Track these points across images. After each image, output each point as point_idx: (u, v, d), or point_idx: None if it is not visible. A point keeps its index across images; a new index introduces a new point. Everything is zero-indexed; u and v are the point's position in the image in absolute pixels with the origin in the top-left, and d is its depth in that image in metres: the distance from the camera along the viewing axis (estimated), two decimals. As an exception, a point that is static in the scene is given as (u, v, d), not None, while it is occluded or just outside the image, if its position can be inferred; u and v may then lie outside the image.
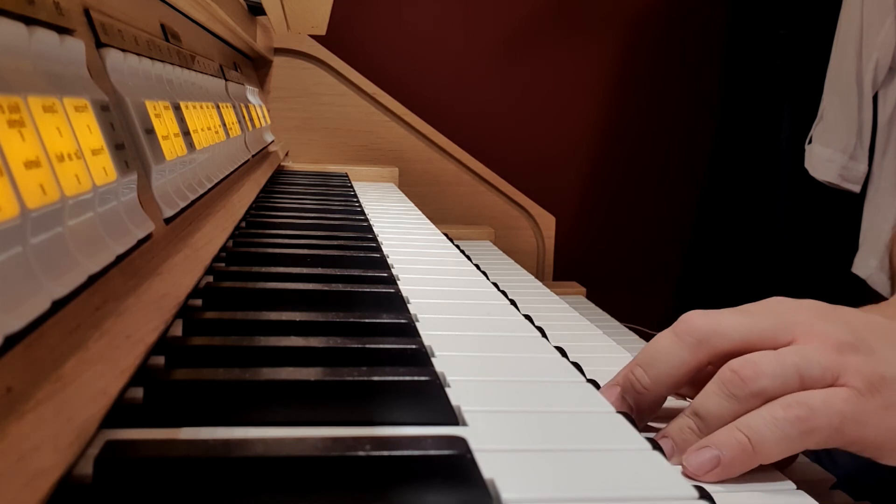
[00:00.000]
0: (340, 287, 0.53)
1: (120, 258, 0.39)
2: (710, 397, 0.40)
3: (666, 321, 0.46)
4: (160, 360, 0.38)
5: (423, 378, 0.36)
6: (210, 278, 0.55)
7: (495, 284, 0.67)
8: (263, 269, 0.59)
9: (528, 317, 0.56)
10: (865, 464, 0.42)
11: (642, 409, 0.43)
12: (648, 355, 0.44)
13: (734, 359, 0.40)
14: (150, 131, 0.52)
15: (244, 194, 0.81)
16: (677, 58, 2.16)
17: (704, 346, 0.42)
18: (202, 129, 0.71)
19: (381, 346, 0.41)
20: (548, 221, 1.63)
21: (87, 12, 0.46)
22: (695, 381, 0.43)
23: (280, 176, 1.28)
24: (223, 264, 0.61)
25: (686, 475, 0.38)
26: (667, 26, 2.14)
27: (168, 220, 0.51)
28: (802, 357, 0.40)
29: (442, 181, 1.62)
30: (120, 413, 0.32)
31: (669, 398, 0.45)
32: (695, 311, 0.44)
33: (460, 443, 0.29)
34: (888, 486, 0.56)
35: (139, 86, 0.54)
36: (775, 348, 0.41)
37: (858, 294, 1.60)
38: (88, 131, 0.38)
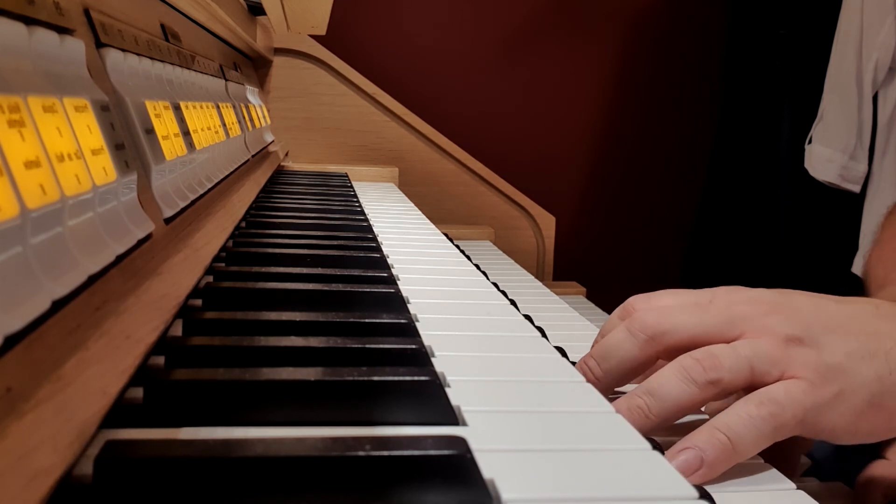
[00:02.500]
0: (340, 287, 0.53)
1: (120, 258, 0.39)
2: (670, 380, 0.42)
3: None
4: (160, 360, 0.38)
5: (422, 378, 0.36)
6: (210, 278, 0.55)
7: (495, 284, 0.67)
8: (263, 269, 0.59)
9: (528, 317, 0.56)
10: (831, 447, 0.44)
11: None
12: (603, 348, 0.46)
13: (695, 350, 0.43)
14: (150, 131, 0.52)
15: (244, 194, 0.81)
16: (677, 58, 2.16)
17: (655, 343, 0.44)
18: (202, 129, 0.71)
19: (381, 346, 0.41)
20: (548, 221, 1.63)
21: (87, 12, 0.46)
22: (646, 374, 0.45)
23: (280, 176, 1.28)
24: (223, 264, 0.61)
25: None
26: (667, 26, 2.14)
27: (168, 220, 0.51)
28: (754, 351, 0.42)
29: (442, 181, 1.62)
30: (120, 413, 0.32)
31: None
32: (647, 301, 0.47)
33: (460, 443, 0.29)
34: (855, 465, 0.57)
35: (139, 86, 0.54)
36: (724, 342, 0.43)
37: (858, 294, 1.59)
38: (88, 131, 0.38)
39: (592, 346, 0.50)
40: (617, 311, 0.49)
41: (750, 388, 0.41)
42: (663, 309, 0.45)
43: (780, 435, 0.40)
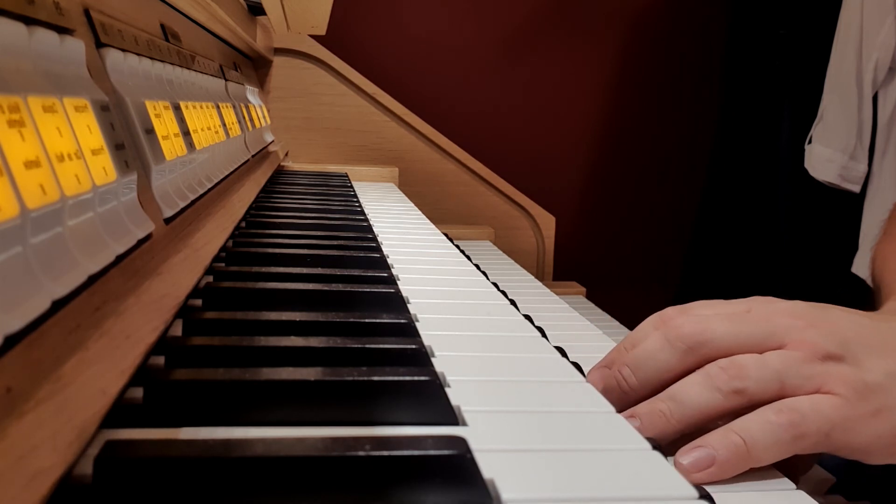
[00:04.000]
0: (340, 287, 0.53)
1: (120, 258, 0.39)
2: (693, 387, 0.41)
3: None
4: (160, 360, 0.38)
5: (422, 378, 0.36)
6: (210, 278, 0.55)
7: (495, 284, 0.67)
8: (263, 269, 0.59)
9: (528, 317, 0.56)
10: (856, 464, 0.43)
11: (623, 409, 0.43)
12: (638, 357, 0.44)
13: (723, 358, 0.42)
14: (150, 131, 0.52)
15: (244, 194, 0.81)
16: (677, 58, 2.16)
17: (695, 354, 0.43)
18: (202, 129, 0.71)
19: (381, 346, 0.41)
20: (548, 221, 1.63)
21: (87, 12, 0.46)
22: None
23: (280, 176, 1.28)
24: (223, 264, 0.61)
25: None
26: (667, 26, 2.14)
27: (168, 220, 0.51)
28: (785, 364, 0.41)
29: (442, 181, 1.62)
30: (120, 413, 0.32)
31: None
32: (684, 312, 0.45)
33: (460, 443, 0.29)
34: (880, 483, 0.56)
35: (139, 86, 0.54)
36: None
37: (858, 294, 1.59)
38: (88, 131, 0.38)
39: (609, 354, 0.48)
40: (650, 320, 0.47)
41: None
42: (702, 318, 0.44)
43: (801, 446, 0.39)
